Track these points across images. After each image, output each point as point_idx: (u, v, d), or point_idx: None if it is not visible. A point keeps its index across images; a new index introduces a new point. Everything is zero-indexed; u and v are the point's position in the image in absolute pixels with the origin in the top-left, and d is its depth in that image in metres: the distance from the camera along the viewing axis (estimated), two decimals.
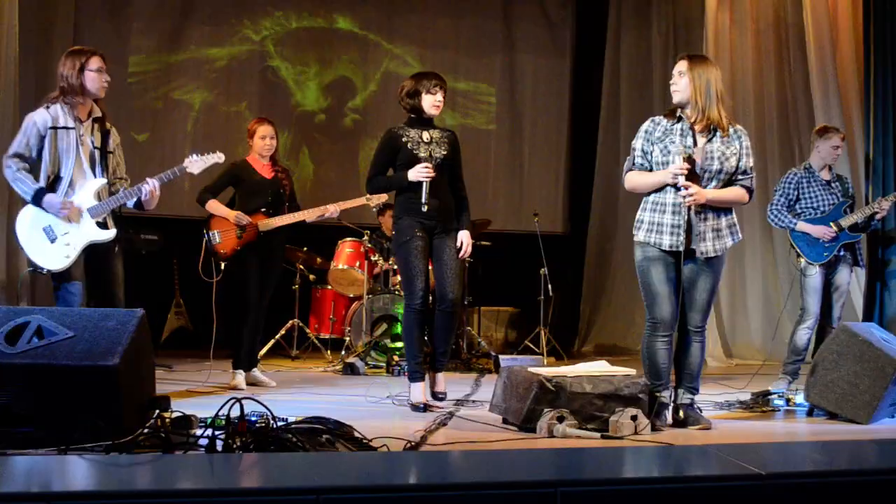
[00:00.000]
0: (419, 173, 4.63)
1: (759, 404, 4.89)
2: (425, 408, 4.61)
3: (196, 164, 4.80)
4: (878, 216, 5.72)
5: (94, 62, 4.42)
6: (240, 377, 5.54)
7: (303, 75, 9.49)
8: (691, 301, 4.22)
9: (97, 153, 4.50)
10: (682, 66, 4.14)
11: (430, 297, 4.91)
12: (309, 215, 5.68)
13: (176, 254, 8.17)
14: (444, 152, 4.78)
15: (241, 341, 5.60)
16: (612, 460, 2.93)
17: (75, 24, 8.60)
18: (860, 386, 4.37)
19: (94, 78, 4.42)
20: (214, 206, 5.65)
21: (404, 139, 4.75)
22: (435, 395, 4.78)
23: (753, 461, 2.65)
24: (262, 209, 5.63)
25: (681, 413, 4.22)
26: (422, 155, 4.71)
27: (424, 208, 4.63)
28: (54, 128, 4.37)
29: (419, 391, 4.69)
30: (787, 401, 4.96)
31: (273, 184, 5.72)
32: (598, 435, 3.78)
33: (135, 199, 4.53)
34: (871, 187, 7.02)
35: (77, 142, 4.41)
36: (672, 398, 4.28)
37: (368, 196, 5.73)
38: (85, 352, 3.27)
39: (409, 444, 3.42)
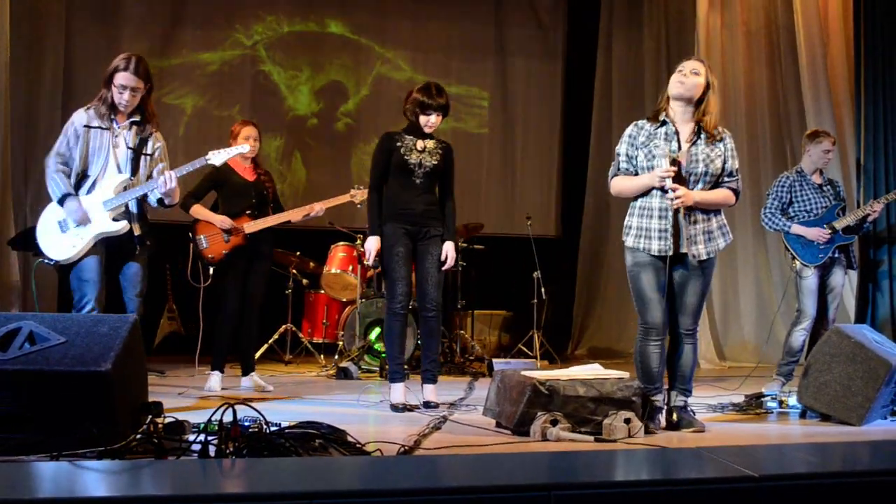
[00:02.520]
0: (370, 253, 4.86)
1: (753, 406, 4.89)
2: (404, 408, 4.70)
3: (219, 156, 4.81)
4: (870, 218, 5.77)
5: (119, 78, 4.43)
6: (215, 378, 5.50)
7: (295, 80, 9.49)
8: (682, 304, 4.22)
9: (130, 154, 4.50)
10: (698, 66, 4.15)
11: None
12: (295, 215, 5.67)
13: (168, 259, 8.14)
14: (435, 162, 4.92)
15: (222, 344, 5.57)
16: (605, 463, 2.93)
17: (67, 30, 8.59)
18: (853, 388, 4.38)
19: (115, 93, 4.45)
20: (199, 211, 5.61)
21: (398, 143, 4.89)
22: (426, 404, 4.83)
23: (747, 463, 2.65)
24: (248, 211, 5.61)
25: (674, 416, 4.22)
26: (412, 161, 4.86)
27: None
28: (88, 127, 4.44)
29: (399, 392, 4.80)
30: (780, 403, 4.96)
31: (256, 185, 5.69)
32: (592, 438, 3.79)
33: (157, 195, 4.53)
34: (863, 190, 7.05)
35: (110, 143, 4.46)
36: (665, 401, 4.28)
37: (353, 193, 5.78)
38: (77, 357, 3.26)
39: (402, 449, 3.42)
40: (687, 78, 4.13)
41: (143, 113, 4.57)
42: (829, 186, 5.79)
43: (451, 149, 5.08)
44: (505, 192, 9.95)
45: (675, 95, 4.17)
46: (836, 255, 5.66)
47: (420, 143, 4.91)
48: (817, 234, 5.60)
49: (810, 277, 5.63)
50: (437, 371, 5.01)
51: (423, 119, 4.88)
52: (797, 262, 5.66)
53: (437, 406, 4.81)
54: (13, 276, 7.44)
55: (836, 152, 7.04)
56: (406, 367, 5.27)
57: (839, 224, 5.62)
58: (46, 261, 4.40)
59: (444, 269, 4.96)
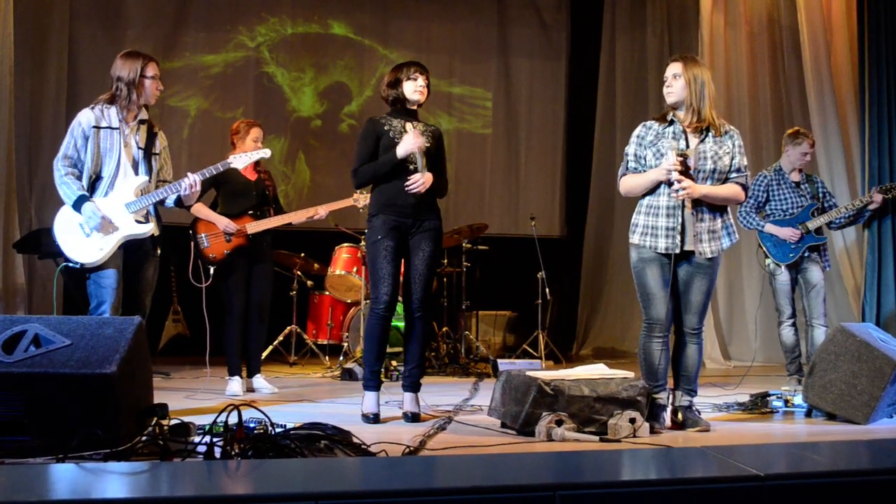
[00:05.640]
0: (411, 143, 4.36)
1: (758, 406, 4.89)
2: (375, 418, 4.35)
3: (240, 159, 4.81)
4: (871, 207, 5.89)
5: (151, 69, 4.45)
6: (235, 384, 5.50)
7: (298, 81, 9.49)
8: (687, 303, 4.23)
9: (141, 154, 4.47)
10: (676, 68, 4.16)
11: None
12: (297, 217, 5.67)
13: (173, 261, 8.15)
14: (427, 145, 4.51)
15: (232, 348, 5.54)
16: (610, 463, 2.93)
17: (70, 33, 8.60)
18: (858, 386, 4.38)
19: (149, 85, 4.44)
20: (201, 210, 5.56)
21: (386, 127, 4.53)
22: (405, 416, 4.44)
23: (752, 462, 2.65)
24: (249, 211, 5.61)
25: (679, 415, 4.22)
26: None
27: (416, 180, 4.37)
28: (97, 127, 4.36)
29: (371, 401, 4.43)
30: (786, 402, 4.97)
31: (257, 185, 5.68)
32: (597, 438, 3.79)
33: (175, 196, 4.50)
34: (867, 187, 7.04)
35: (121, 143, 4.40)
36: (670, 400, 4.28)
37: (356, 197, 5.72)
38: (82, 360, 3.27)
39: (407, 450, 3.42)
40: (671, 86, 4.17)
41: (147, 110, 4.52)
42: (806, 185, 5.89)
43: (441, 133, 4.71)
44: (509, 193, 9.94)
45: (669, 105, 4.22)
46: (807, 255, 5.74)
47: (409, 126, 4.52)
48: (790, 234, 5.73)
49: (782, 276, 5.78)
50: (418, 377, 4.53)
51: (410, 86, 4.56)
52: (770, 262, 5.77)
53: (419, 417, 4.42)
54: (19, 278, 7.45)
55: (839, 150, 7.11)
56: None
57: (812, 224, 5.75)
58: (72, 264, 4.28)
59: (411, 187, 4.39)
